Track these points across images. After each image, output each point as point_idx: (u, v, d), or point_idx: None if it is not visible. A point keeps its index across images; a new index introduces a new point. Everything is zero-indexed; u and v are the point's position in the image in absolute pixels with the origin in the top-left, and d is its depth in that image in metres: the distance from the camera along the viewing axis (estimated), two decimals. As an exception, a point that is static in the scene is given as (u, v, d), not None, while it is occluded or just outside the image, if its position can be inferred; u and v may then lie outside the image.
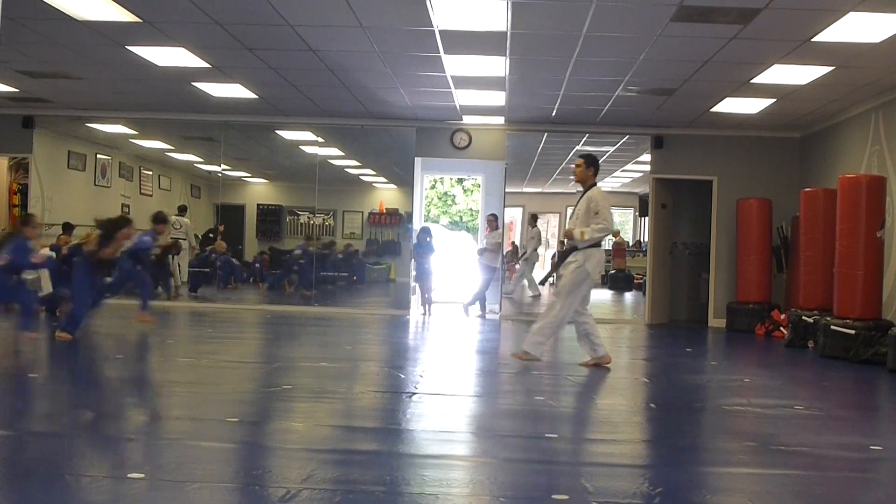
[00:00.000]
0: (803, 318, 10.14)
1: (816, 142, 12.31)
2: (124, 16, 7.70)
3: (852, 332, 8.92)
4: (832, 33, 7.43)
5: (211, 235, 17.82)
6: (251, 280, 17.00)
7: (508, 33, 7.88)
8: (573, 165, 8.09)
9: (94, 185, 16.13)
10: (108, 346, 8.87)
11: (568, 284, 7.60)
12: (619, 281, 21.18)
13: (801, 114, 11.40)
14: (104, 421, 5.27)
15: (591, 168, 7.85)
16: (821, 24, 7.25)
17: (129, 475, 3.80)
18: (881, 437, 5.63)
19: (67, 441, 4.57)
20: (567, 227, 7.87)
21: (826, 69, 8.80)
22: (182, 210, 16.44)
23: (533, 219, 18.83)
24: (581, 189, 7.93)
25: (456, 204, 30.72)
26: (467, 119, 12.99)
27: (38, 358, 7.80)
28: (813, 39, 7.66)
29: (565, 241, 7.91)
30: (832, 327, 9.16)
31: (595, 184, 7.84)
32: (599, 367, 7.67)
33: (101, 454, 4.44)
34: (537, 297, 17.69)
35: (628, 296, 20.04)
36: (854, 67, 8.68)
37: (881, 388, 7.76)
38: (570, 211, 9.33)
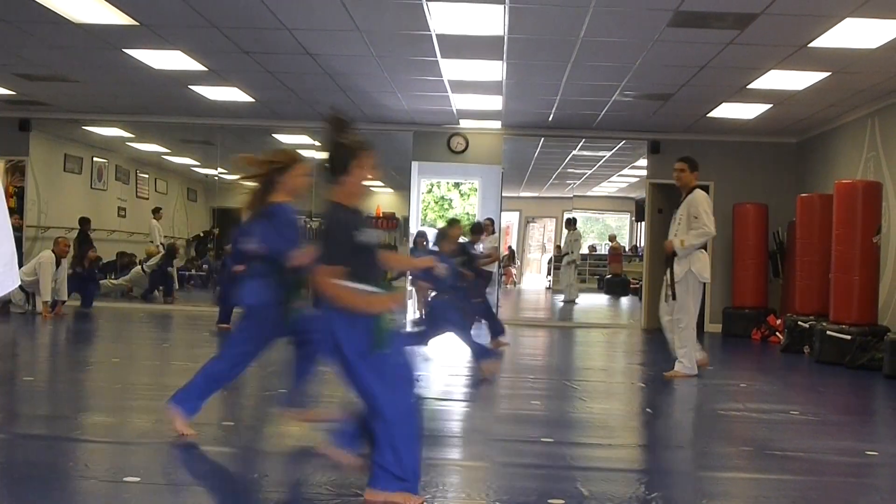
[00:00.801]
0: (799, 323, 10.15)
1: (813, 147, 12.33)
2: (121, 19, 7.69)
3: (848, 337, 8.93)
4: (829, 39, 7.45)
5: (202, 235, 17.79)
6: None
7: (505, 38, 7.88)
8: (674, 171, 7.75)
9: (91, 188, 16.13)
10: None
11: (686, 296, 7.56)
12: (615, 286, 21.22)
13: (798, 119, 11.42)
14: (102, 424, 5.26)
15: (694, 171, 7.66)
16: (817, 30, 7.27)
17: (124, 479, 3.79)
18: (877, 442, 5.64)
19: (64, 444, 4.56)
20: (669, 236, 7.65)
21: (822, 75, 8.82)
22: (155, 211, 16.43)
23: (569, 223, 18.78)
24: (682, 194, 7.70)
25: (452, 208, 30.69)
26: (464, 123, 13.00)
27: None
28: (809, 45, 7.68)
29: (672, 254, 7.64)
30: (828, 333, 9.17)
31: (697, 187, 7.63)
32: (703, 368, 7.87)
33: (99, 457, 4.43)
34: (571, 302, 17.70)
35: (624, 300, 20.05)
36: (850, 73, 8.70)
37: (877, 393, 7.77)
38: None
